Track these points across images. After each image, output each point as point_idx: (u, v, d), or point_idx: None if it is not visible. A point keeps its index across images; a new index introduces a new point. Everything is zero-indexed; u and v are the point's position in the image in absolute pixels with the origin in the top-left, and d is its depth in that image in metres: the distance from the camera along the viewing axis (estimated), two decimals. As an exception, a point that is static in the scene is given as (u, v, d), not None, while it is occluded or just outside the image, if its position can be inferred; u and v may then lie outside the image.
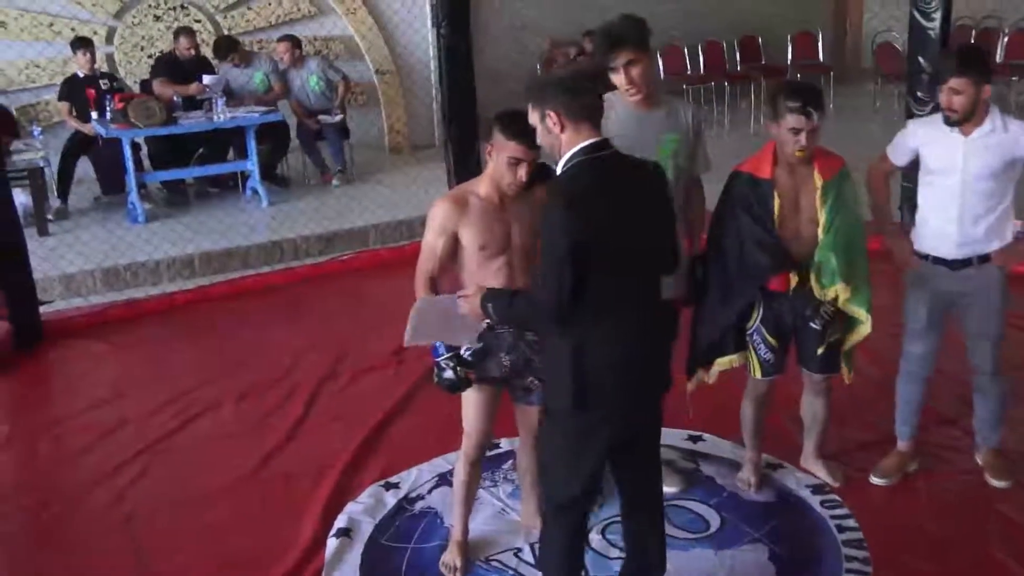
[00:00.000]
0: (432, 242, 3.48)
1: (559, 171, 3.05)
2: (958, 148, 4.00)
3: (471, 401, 3.68)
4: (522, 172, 3.30)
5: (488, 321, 3.29)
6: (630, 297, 3.04)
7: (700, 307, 4.15)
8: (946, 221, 4.07)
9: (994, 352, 4.23)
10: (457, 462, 3.87)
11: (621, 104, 3.79)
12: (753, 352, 4.15)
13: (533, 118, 3.07)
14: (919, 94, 6.86)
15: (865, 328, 4.06)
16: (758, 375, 4.20)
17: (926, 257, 4.18)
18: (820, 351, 4.11)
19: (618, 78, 3.71)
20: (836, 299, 3.97)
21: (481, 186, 3.49)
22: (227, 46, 9.44)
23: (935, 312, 4.23)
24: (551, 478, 3.30)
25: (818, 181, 3.91)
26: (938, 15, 6.67)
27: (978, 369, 4.30)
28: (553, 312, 2.98)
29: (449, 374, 3.48)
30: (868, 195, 4.39)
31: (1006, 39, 12.05)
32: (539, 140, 3.13)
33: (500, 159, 3.35)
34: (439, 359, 3.49)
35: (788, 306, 4.05)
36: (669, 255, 3.23)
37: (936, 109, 6.64)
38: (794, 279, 3.97)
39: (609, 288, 2.97)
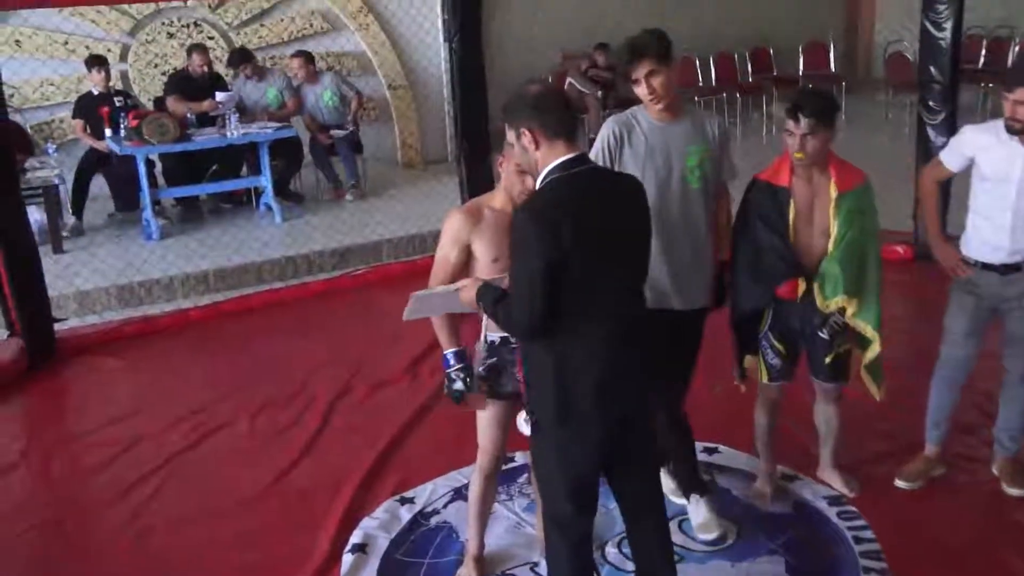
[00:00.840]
0: (446, 253, 3.49)
1: (537, 187, 3.06)
2: (1016, 157, 3.97)
3: (485, 416, 3.69)
4: (529, 181, 3.30)
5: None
6: (609, 309, 3.03)
7: (731, 313, 4.18)
8: (998, 228, 4.06)
9: None
10: (472, 476, 3.87)
11: (645, 117, 3.84)
12: (761, 357, 4.18)
13: (510, 136, 3.09)
14: (931, 104, 6.84)
15: (876, 346, 4.06)
16: (765, 379, 4.21)
17: (974, 263, 4.17)
18: (828, 360, 4.11)
19: (640, 89, 3.75)
20: (844, 311, 3.98)
21: (496, 199, 3.51)
22: (240, 57, 9.49)
23: (978, 318, 4.23)
24: (545, 493, 3.29)
25: (832, 192, 3.91)
26: (949, 25, 6.65)
27: (1013, 371, 4.28)
28: (526, 330, 3.01)
29: (459, 385, 3.49)
30: (921, 200, 4.37)
31: (1017, 48, 12.03)
32: (517, 159, 3.16)
33: (509, 168, 3.39)
34: (450, 370, 3.50)
35: (797, 314, 4.06)
36: (646, 267, 3.23)
37: (948, 118, 6.76)
38: (802, 286, 3.98)
39: (587, 301, 2.98)
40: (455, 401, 3.56)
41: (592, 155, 3.81)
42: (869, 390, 4.23)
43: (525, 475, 4.52)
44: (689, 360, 4.09)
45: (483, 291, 3.14)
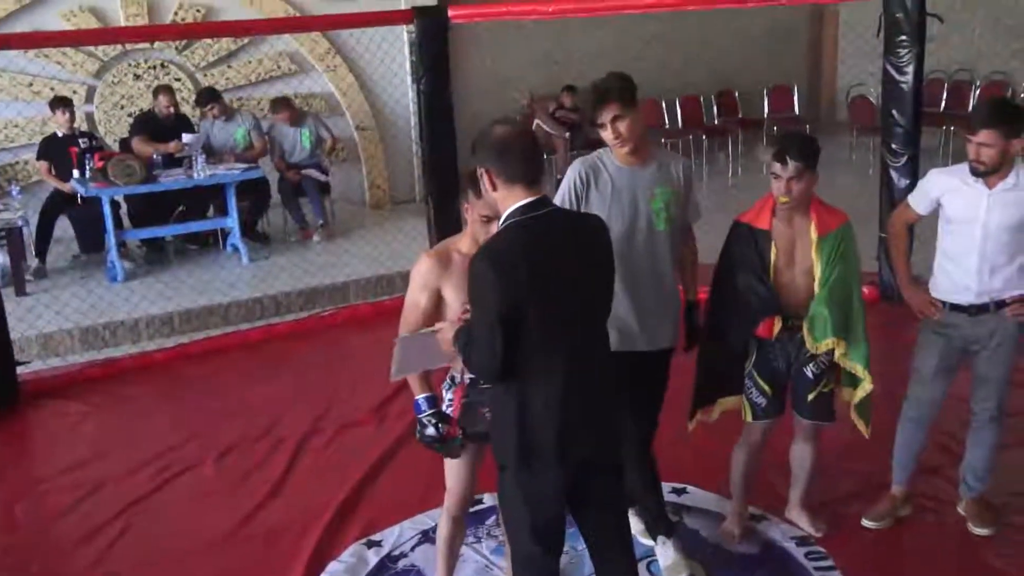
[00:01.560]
0: (415, 299, 3.47)
1: (496, 231, 3.08)
2: (981, 200, 4.02)
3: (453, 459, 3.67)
4: (493, 228, 3.29)
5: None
6: (571, 352, 3.03)
7: (702, 350, 4.20)
8: (966, 270, 4.10)
9: (1000, 396, 4.26)
10: (440, 519, 3.84)
11: (611, 160, 3.88)
12: (745, 396, 4.19)
13: (478, 173, 3.09)
14: (894, 146, 6.93)
15: (867, 385, 4.08)
16: (749, 418, 4.22)
17: (943, 305, 4.20)
18: (811, 398, 4.14)
19: (606, 133, 3.79)
20: (832, 351, 4.01)
21: (463, 243, 3.49)
22: (208, 96, 9.48)
23: (947, 359, 4.26)
24: (511, 534, 3.28)
25: (813, 234, 3.95)
26: (911, 69, 6.75)
27: (981, 413, 4.31)
28: (489, 373, 3.01)
29: (431, 431, 3.47)
30: (889, 244, 4.42)
31: (978, 91, 12.23)
32: (480, 209, 3.20)
33: (474, 216, 3.38)
34: (421, 416, 3.48)
35: (781, 353, 4.08)
36: (609, 308, 3.23)
37: (911, 160, 6.85)
38: (778, 324, 4.01)
39: (548, 344, 2.98)
40: (428, 448, 3.54)
41: (559, 197, 3.84)
42: (858, 427, 4.24)
43: (493, 517, 4.50)
44: (655, 401, 4.10)
45: (459, 333, 3.13)
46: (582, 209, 3.81)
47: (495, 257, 2.94)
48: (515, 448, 3.03)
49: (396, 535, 4.57)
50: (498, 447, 3.14)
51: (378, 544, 4.51)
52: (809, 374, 4.10)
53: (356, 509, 4.83)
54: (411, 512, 4.71)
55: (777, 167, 3.87)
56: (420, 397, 3.49)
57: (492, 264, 2.91)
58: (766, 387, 4.14)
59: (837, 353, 4.00)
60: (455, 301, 3.43)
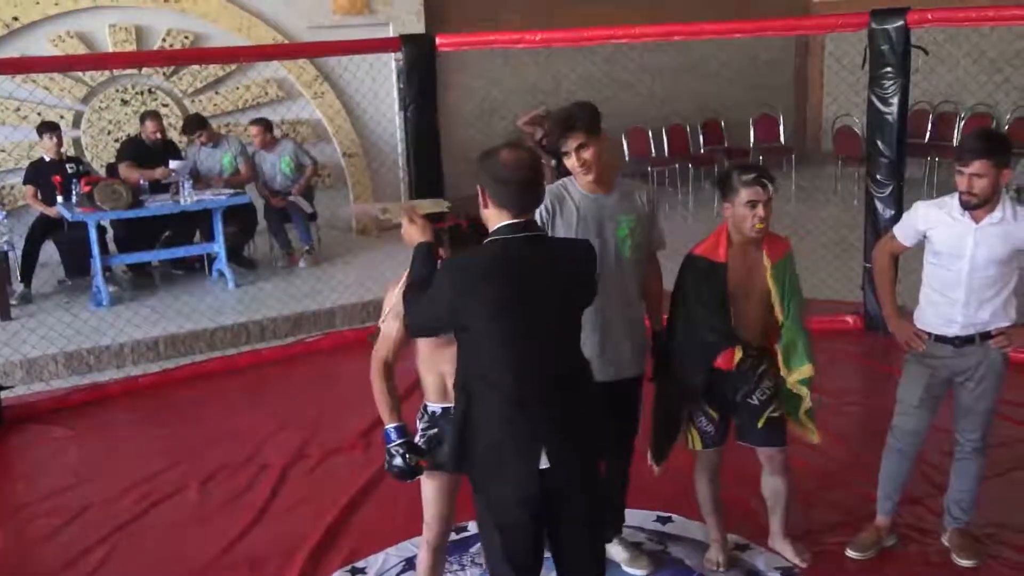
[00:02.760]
0: (389, 327, 3.49)
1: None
2: (968, 234, 4.02)
3: (429, 488, 3.66)
4: None
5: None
6: (529, 372, 3.05)
7: (660, 391, 4.19)
8: (951, 304, 4.11)
9: (984, 426, 4.27)
10: (420, 549, 3.84)
11: (576, 188, 3.90)
12: (693, 424, 4.19)
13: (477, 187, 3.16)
14: (878, 177, 6.98)
15: (808, 368, 4.10)
16: (698, 446, 4.22)
17: (929, 336, 4.21)
18: (760, 425, 4.16)
19: (570, 161, 3.82)
20: (775, 377, 4.07)
21: None
22: (196, 123, 9.49)
23: (932, 390, 4.26)
24: (486, 557, 3.30)
25: (767, 263, 3.98)
26: (895, 100, 6.82)
27: (965, 444, 4.32)
28: (410, 327, 3.26)
29: (399, 461, 3.46)
30: (875, 276, 4.45)
31: (962, 123, 12.34)
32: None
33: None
34: (389, 446, 3.47)
35: (730, 383, 4.10)
36: (578, 328, 3.24)
37: (896, 190, 6.90)
38: (738, 354, 4.02)
39: (502, 362, 3.03)
40: (396, 478, 3.54)
41: None
42: (806, 438, 4.27)
43: (477, 545, 4.48)
44: (628, 432, 4.09)
45: (421, 253, 3.27)
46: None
47: (458, 265, 3.08)
48: (453, 451, 3.13)
49: (380, 562, 4.55)
50: (457, 463, 3.19)
51: (362, 571, 4.50)
52: (755, 402, 4.12)
53: (340, 536, 4.82)
54: (395, 539, 4.69)
55: (758, 191, 3.87)
56: (390, 427, 3.48)
57: (453, 272, 3.06)
58: (713, 414, 4.16)
59: (804, 376, 4.05)
60: None
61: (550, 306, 3.09)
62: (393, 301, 3.48)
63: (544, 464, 3.06)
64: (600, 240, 3.83)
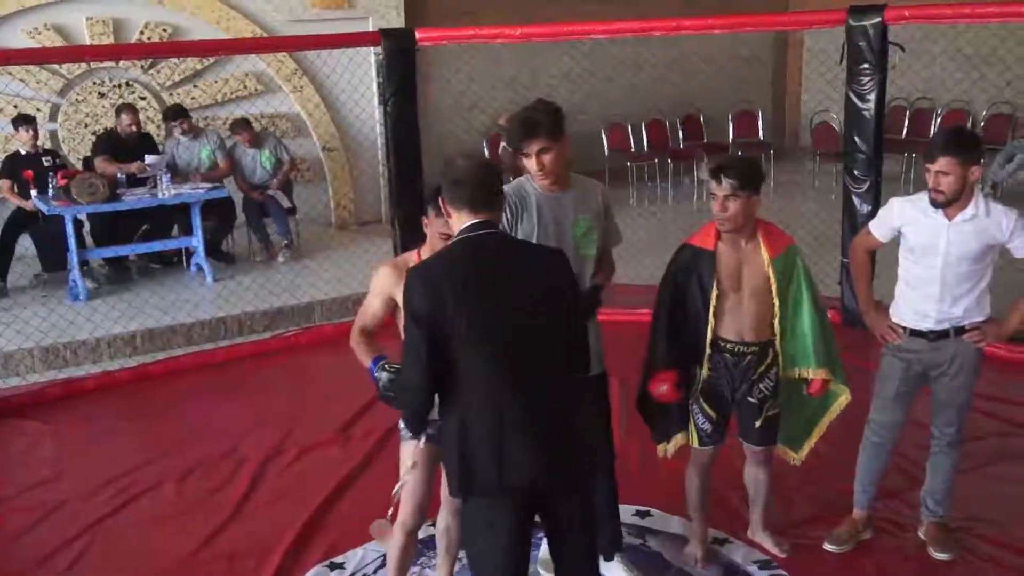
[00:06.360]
0: (370, 301, 3.71)
1: None
2: (942, 231, 4.05)
3: (411, 460, 3.69)
4: None
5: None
6: (509, 376, 3.04)
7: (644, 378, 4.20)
8: (926, 299, 4.14)
9: (960, 420, 4.30)
10: (395, 529, 3.83)
11: (535, 188, 3.87)
12: (692, 421, 4.20)
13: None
14: (856, 172, 7.01)
15: (844, 398, 4.21)
16: (696, 444, 4.24)
17: (904, 330, 4.24)
18: (758, 424, 4.17)
19: (530, 163, 3.79)
20: (776, 375, 4.05)
21: (423, 254, 3.62)
22: (177, 111, 9.44)
23: (907, 384, 4.30)
24: (469, 561, 3.28)
25: (765, 256, 3.98)
26: (873, 96, 6.86)
27: (941, 437, 4.35)
28: (415, 392, 3.10)
29: (384, 377, 3.47)
30: (852, 270, 4.48)
31: (939, 119, 12.40)
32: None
33: (433, 231, 3.56)
34: (373, 372, 3.53)
35: (727, 378, 4.10)
36: (559, 335, 3.18)
37: (873, 186, 6.93)
38: (664, 388, 4.04)
39: (482, 366, 3.02)
40: (386, 400, 3.53)
41: None
42: (786, 457, 4.34)
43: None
44: (601, 429, 4.08)
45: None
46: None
47: (422, 269, 3.12)
48: (456, 476, 3.07)
49: (359, 558, 4.54)
50: (447, 477, 3.18)
51: (340, 567, 4.49)
52: (754, 400, 4.14)
53: (319, 531, 4.81)
54: None
55: (713, 185, 3.91)
56: (369, 362, 3.57)
57: (419, 275, 3.07)
58: (712, 413, 4.17)
59: (822, 376, 4.08)
60: None
61: (522, 305, 3.07)
62: (379, 281, 3.66)
63: (536, 471, 3.05)
64: (560, 238, 3.81)
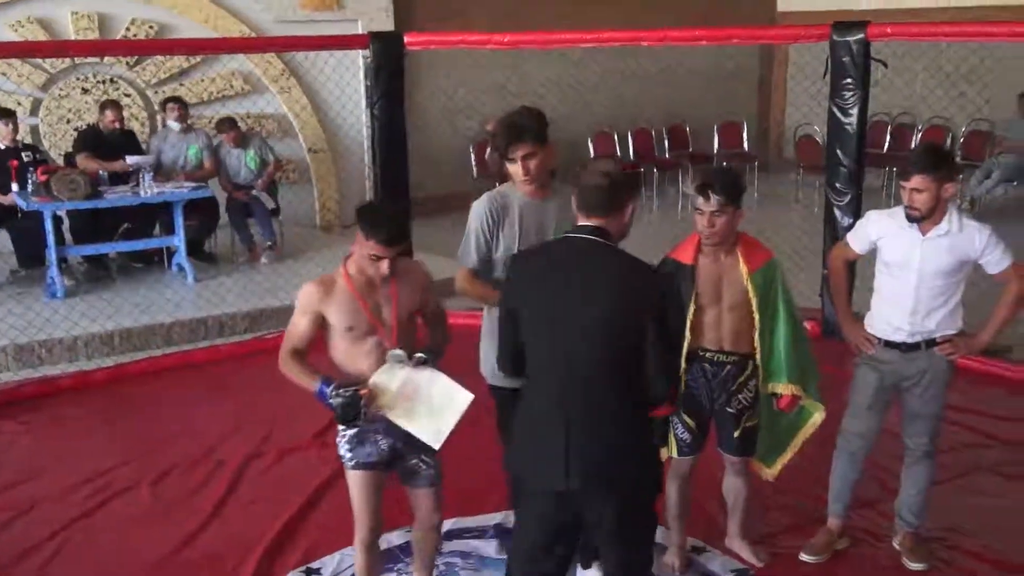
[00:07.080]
0: (296, 321, 3.66)
1: None
2: (916, 246, 4.09)
3: (355, 488, 3.72)
4: (383, 267, 3.49)
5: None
6: (557, 377, 3.11)
7: None
8: (899, 312, 4.17)
9: (932, 431, 4.33)
10: (355, 550, 3.86)
11: (516, 195, 3.89)
12: (672, 432, 4.21)
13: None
14: (838, 185, 7.05)
15: (819, 416, 4.22)
16: (674, 454, 4.24)
17: (878, 341, 4.27)
18: (736, 435, 4.18)
19: (515, 168, 3.81)
20: (757, 387, 4.08)
21: (350, 268, 3.64)
22: (175, 99, 9.43)
23: (881, 394, 4.32)
24: (511, 558, 3.45)
25: (743, 269, 3.99)
26: (855, 111, 6.90)
27: (915, 448, 4.38)
28: (501, 359, 3.36)
29: (339, 400, 3.49)
30: (829, 279, 4.50)
31: (919, 135, 12.49)
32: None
33: (362, 252, 3.52)
34: (326, 398, 3.51)
35: (705, 389, 4.12)
36: (617, 349, 3.12)
37: (854, 199, 6.96)
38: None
39: (535, 359, 3.18)
40: (344, 421, 3.57)
41: (469, 234, 3.90)
42: (760, 471, 4.36)
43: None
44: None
45: None
46: (493, 244, 3.86)
47: (525, 251, 3.48)
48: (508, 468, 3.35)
49: (336, 563, 4.53)
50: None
51: (317, 572, 4.47)
52: (732, 411, 4.15)
53: (296, 536, 4.79)
54: (351, 540, 4.54)
55: (700, 201, 3.92)
56: (317, 386, 3.54)
57: (519, 255, 3.45)
58: (690, 423, 4.18)
59: (792, 391, 4.09)
60: (339, 324, 3.60)
61: (584, 306, 3.09)
62: (304, 299, 3.64)
63: (575, 477, 3.09)
64: None
